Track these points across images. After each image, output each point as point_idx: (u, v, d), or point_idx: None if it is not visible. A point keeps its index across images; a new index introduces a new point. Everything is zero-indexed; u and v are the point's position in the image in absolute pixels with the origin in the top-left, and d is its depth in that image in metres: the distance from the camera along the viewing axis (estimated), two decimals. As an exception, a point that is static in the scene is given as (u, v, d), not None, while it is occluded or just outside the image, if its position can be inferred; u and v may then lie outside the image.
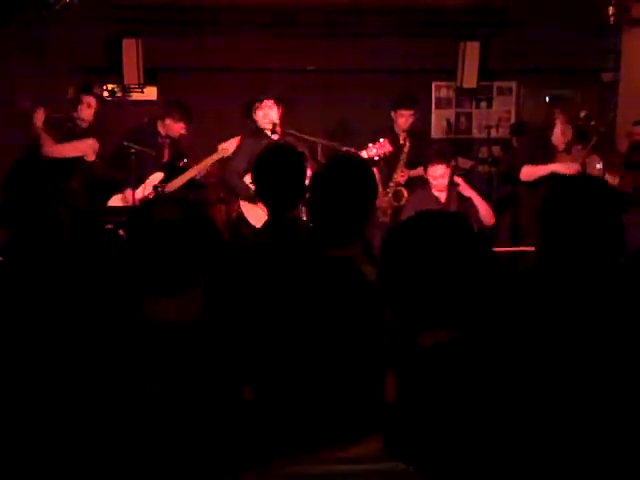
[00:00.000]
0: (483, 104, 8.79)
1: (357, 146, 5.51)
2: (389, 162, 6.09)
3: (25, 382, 1.88)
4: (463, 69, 8.24)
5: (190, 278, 1.64)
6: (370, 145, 5.37)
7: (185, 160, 6.07)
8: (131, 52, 7.84)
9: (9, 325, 2.25)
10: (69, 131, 5.93)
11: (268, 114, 5.26)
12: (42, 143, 5.72)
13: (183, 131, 6.16)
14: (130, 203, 5.66)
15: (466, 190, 5.45)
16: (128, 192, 5.76)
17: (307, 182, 2.85)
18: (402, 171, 6.24)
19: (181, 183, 5.86)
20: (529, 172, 5.59)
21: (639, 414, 1.71)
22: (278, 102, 5.32)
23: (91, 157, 5.90)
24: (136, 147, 5.72)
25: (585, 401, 1.74)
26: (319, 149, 5.45)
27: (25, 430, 1.69)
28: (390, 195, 6.16)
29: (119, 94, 8.22)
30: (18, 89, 6.86)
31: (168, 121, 6.14)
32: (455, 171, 5.98)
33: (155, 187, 5.75)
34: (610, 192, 2.22)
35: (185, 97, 7.79)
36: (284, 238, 2.77)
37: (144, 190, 5.81)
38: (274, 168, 2.91)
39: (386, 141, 5.35)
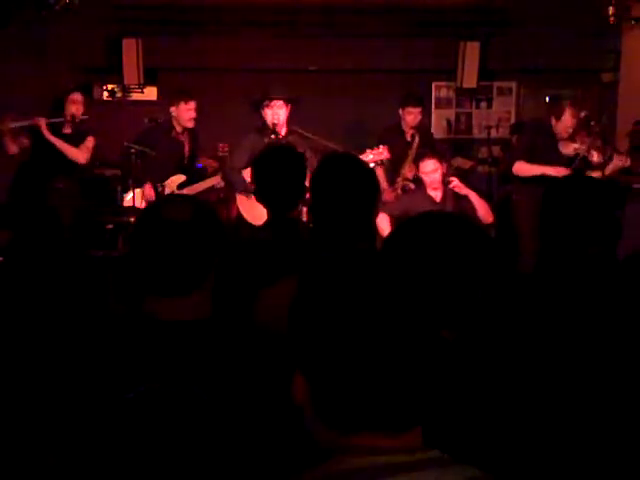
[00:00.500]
0: (483, 104, 8.80)
1: (357, 146, 5.51)
2: (396, 159, 6.13)
3: (29, 382, 1.89)
4: (463, 69, 8.25)
5: (200, 277, 1.65)
6: (368, 150, 5.37)
7: (201, 165, 6.04)
8: (131, 52, 7.84)
9: (11, 325, 2.25)
10: (61, 134, 5.90)
11: (277, 113, 5.26)
12: (71, 153, 5.79)
13: (193, 112, 6.00)
14: (151, 200, 5.64)
15: (461, 189, 5.33)
16: (147, 188, 5.76)
17: (307, 182, 2.85)
18: (410, 166, 6.28)
19: (202, 189, 5.83)
20: (521, 168, 5.60)
21: (639, 414, 1.71)
22: (288, 102, 5.32)
23: (82, 161, 5.90)
24: (136, 147, 5.73)
25: (586, 401, 1.74)
26: (318, 150, 5.45)
27: (34, 430, 1.69)
28: (398, 190, 6.19)
29: (119, 94, 8.22)
30: (18, 89, 6.86)
31: (174, 110, 6.01)
32: (453, 171, 6.00)
33: (155, 187, 5.76)
34: (607, 190, 2.22)
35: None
36: (284, 238, 2.77)
37: (165, 190, 5.81)
38: (274, 168, 2.90)
39: (385, 148, 5.33)
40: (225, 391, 1.47)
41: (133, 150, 5.69)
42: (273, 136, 5.28)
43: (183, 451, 1.35)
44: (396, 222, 5.06)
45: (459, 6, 8.03)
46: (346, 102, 8.04)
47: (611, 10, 7.06)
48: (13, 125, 5.68)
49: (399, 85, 7.69)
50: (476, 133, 8.76)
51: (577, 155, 5.52)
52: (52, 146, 5.73)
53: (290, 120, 5.37)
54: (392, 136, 6.49)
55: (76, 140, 5.90)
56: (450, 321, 1.49)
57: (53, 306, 2.44)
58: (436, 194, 5.34)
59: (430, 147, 6.53)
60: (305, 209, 4.36)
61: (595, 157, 5.49)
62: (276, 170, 2.88)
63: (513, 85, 8.76)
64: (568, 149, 5.56)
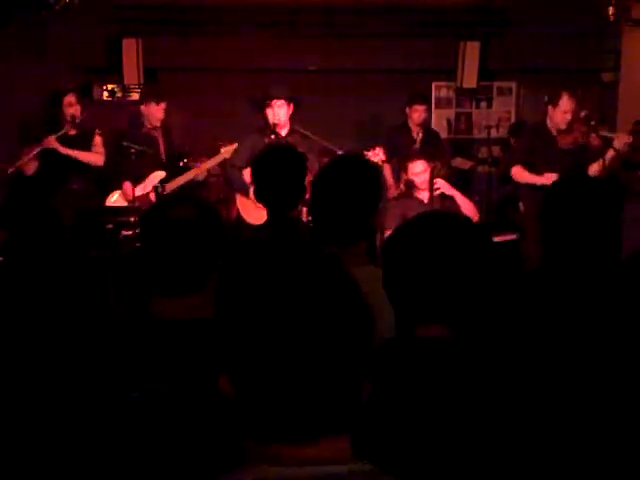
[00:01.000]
0: (483, 104, 8.79)
1: (356, 146, 5.52)
2: (402, 157, 6.18)
3: (29, 382, 1.89)
4: (463, 69, 8.25)
5: (203, 277, 1.65)
6: (364, 152, 5.38)
7: (185, 160, 6.06)
8: (131, 52, 7.84)
9: (10, 325, 2.25)
10: (72, 138, 5.91)
11: (277, 113, 5.26)
12: (89, 159, 5.87)
13: (162, 113, 6.08)
14: (130, 198, 5.66)
15: (447, 189, 5.39)
16: (126, 187, 5.76)
17: (307, 182, 2.85)
18: None
19: (181, 183, 5.87)
20: (518, 173, 5.62)
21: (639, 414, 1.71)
22: (289, 101, 5.32)
23: (100, 164, 5.94)
24: (136, 147, 5.73)
25: (586, 401, 1.74)
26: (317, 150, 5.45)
27: (36, 429, 1.69)
28: (402, 186, 6.22)
29: (119, 94, 8.21)
30: (18, 89, 6.86)
31: (144, 108, 6.10)
32: (451, 171, 6.04)
33: (155, 187, 5.76)
34: (608, 190, 2.22)
35: (185, 97, 7.80)
36: (284, 237, 2.77)
37: (144, 188, 5.82)
38: (274, 168, 2.90)
39: (381, 150, 5.36)
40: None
41: (133, 150, 5.70)
42: (273, 136, 5.29)
43: (184, 450, 1.35)
44: None
45: (459, 6, 8.03)
46: (346, 102, 8.04)
47: (611, 10, 7.06)
48: (31, 155, 5.71)
49: (399, 85, 7.69)
50: (476, 133, 8.75)
51: (576, 145, 5.51)
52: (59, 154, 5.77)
53: (292, 120, 5.37)
54: (399, 135, 6.82)
55: (84, 140, 5.94)
56: (451, 319, 1.49)
57: (53, 306, 2.44)
58: (423, 195, 5.43)
59: (435, 145, 6.72)
60: (305, 209, 4.36)
61: (595, 141, 5.48)
62: (276, 170, 2.88)
63: (513, 85, 8.75)
64: (567, 140, 5.55)
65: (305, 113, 5.61)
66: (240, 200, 5.24)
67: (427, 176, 5.39)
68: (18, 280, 2.56)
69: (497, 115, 8.61)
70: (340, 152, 5.25)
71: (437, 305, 1.48)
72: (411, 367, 1.45)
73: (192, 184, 6.07)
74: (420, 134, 6.89)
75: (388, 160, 5.80)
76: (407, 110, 6.88)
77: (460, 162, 7.93)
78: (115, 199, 5.97)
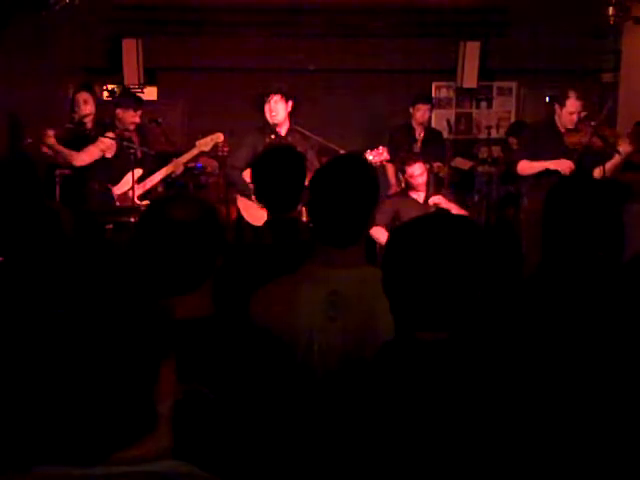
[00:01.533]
0: (483, 104, 8.80)
1: (356, 146, 5.52)
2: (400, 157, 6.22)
3: (30, 382, 1.88)
4: (463, 69, 8.25)
5: (202, 276, 1.65)
6: (368, 151, 5.38)
7: (153, 153, 5.93)
8: (131, 52, 7.84)
9: (10, 325, 2.24)
10: (83, 136, 5.86)
11: (275, 109, 5.24)
12: (69, 159, 5.58)
13: (137, 119, 6.00)
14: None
15: (445, 204, 5.47)
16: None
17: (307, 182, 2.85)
18: None
19: (160, 178, 5.79)
20: (525, 166, 5.61)
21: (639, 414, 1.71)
22: (287, 97, 5.29)
23: (111, 152, 5.79)
24: (135, 147, 5.72)
25: (587, 403, 1.74)
26: (317, 149, 5.45)
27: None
28: (402, 184, 6.24)
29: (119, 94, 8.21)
30: (18, 89, 6.86)
31: (120, 112, 6.00)
32: (451, 171, 6.06)
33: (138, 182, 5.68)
34: (610, 190, 2.22)
35: (185, 97, 7.82)
36: (284, 238, 2.77)
37: (123, 186, 5.73)
38: (273, 168, 2.90)
39: (385, 149, 5.38)
40: (226, 390, 1.47)
41: (132, 150, 5.68)
42: (273, 136, 5.27)
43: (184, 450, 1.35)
44: (389, 229, 5.16)
45: (459, 6, 8.03)
46: (346, 102, 8.04)
47: (611, 10, 7.05)
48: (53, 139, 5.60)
49: (399, 85, 7.70)
50: (476, 133, 8.75)
51: (581, 145, 5.51)
52: None
53: (291, 119, 5.36)
54: (401, 134, 6.93)
55: (94, 139, 5.83)
56: (449, 321, 1.49)
57: (53, 306, 2.43)
58: (418, 195, 5.54)
59: (436, 145, 6.78)
60: (305, 209, 4.36)
61: (599, 142, 5.48)
62: (276, 170, 2.87)
63: (513, 85, 8.75)
64: (573, 140, 5.55)
65: (304, 113, 5.61)
66: (240, 201, 5.24)
67: (425, 178, 5.51)
68: (18, 280, 2.55)
69: (497, 115, 8.62)
70: (342, 152, 5.25)
71: (437, 308, 1.48)
72: (410, 369, 1.45)
73: (199, 184, 6.03)
74: (422, 133, 6.97)
75: (391, 159, 5.84)
76: (410, 109, 6.97)
77: (460, 162, 7.92)
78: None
